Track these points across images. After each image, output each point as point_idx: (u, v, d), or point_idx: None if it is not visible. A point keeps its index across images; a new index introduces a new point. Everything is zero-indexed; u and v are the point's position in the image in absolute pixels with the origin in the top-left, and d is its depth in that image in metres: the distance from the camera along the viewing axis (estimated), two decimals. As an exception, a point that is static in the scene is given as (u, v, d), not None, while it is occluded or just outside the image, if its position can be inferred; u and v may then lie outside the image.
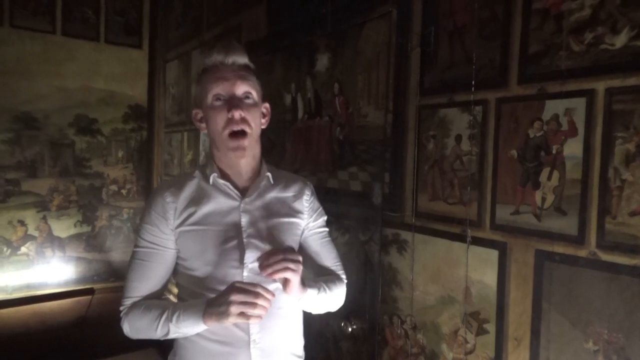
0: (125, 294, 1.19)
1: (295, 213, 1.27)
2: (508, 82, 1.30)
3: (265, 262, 1.04)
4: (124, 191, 3.74)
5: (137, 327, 1.16)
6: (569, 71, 1.17)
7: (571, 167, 1.17)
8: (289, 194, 1.28)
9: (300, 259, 1.07)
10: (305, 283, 1.16)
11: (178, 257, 1.20)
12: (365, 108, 1.78)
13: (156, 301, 1.19)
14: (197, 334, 1.15)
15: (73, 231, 3.54)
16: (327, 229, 1.37)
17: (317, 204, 1.35)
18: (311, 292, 1.18)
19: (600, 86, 1.11)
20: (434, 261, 1.53)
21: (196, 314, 1.07)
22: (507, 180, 1.31)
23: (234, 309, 1.00)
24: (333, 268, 1.33)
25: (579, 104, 1.15)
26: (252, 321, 1.05)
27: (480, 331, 1.39)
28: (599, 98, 1.11)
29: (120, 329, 1.20)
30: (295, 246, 1.27)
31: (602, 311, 1.11)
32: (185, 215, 1.18)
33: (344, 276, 1.35)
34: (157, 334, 1.13)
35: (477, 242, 1.39)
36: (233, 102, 1.13)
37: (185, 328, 1.10)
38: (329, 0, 1.92)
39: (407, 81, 1.61)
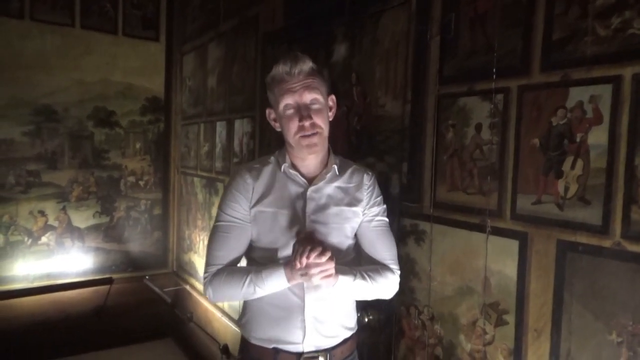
0: (209, 262, 1.34)
1: (356, 202, 1.39)
2: (531, 70, 1.28)
3: (302, 262, 1.16)
4: (141, 183, 3.78)
5: (221, 290, 1.30)
6: (594, 57, 1.14)
7: (596, 156, 1.14)
8: (351, 184, 1.41)
9: (330, 261, 1.19)
10: (338, 270, 1.24)
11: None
12: (383, 98, 1.77)
13: (238, 267, 1.34)
14: (261, 300, 1.31)
15: (92, 222, 3.59)
16: (384, 219, 1.44)
17: (376, 193, 1.45)
18: (344, 280, 1.28)
19: (627, 72, 1.08)
20: (453, 252, 1.51)
21: (280, 275, 1.24)
22: (528, 169, 1.29)
23: (315, 279, 1.18)
24: (383, 257, 1.41)
25: (605, 90, 1.12)
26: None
27: (500, 322, 1.37)
28: (626, 85, 1.08)
29: (137, 318, 1.25)
30: (354, 233, 1.41)
31: (626, 303, 1.09)
32: (260, 196, 1.34)
33: (394, 266, 1.42)
34: (242, 293, 1.28)
35: (497, 232, 1.37)
36: (303, 113, 1.28)
37: (270, 287, 1.26)
38: (346, -10, 1.91)
39: (426, 70, 1.59)
